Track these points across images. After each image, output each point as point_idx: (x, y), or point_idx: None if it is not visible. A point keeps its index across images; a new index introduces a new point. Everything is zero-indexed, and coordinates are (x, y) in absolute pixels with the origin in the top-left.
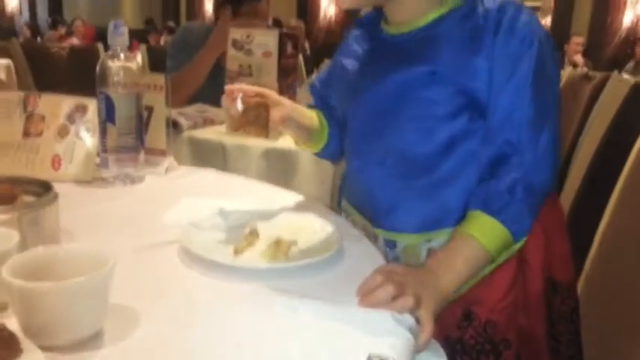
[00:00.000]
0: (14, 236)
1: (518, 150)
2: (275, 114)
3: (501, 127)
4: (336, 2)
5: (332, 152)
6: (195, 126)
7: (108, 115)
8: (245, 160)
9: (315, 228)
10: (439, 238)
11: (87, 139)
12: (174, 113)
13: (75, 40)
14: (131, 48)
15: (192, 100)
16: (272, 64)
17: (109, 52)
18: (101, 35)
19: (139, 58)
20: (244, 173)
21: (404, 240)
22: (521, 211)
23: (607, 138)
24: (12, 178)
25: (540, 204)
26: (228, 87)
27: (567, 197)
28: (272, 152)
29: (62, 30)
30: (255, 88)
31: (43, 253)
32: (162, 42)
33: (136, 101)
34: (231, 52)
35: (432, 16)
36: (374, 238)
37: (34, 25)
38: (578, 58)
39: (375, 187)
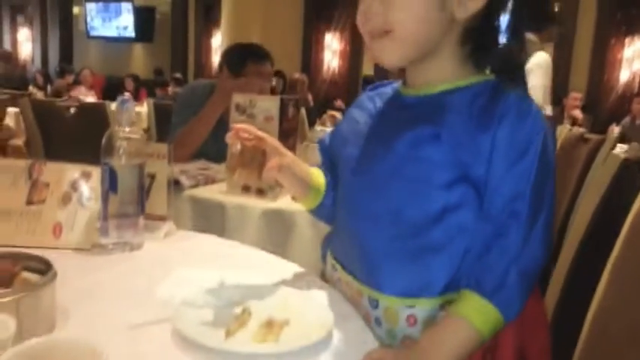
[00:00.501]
0: (10, 325)
1: (515, 235)
2: (273, 161)
3: (500, 211)
4: (372, 59)
5: (327, 213)
6: (196, 185)
7: (111, 185)
8: (244, 220)
9: (307, 307)
10: (421, 305)
11: (89, 206)
12: (176, 171)
13: (83, 89)
14: (139, 98)
15: (195, 155)
16: (274, 127)
17: (115, 126)
18: (111, 84)
19: (145, 108)
20: (243, 232)
21: (386, 301)
22: (514, 294)
23: (597, 215)
24: (12, 253)
25: (533, 285)
26: (235, 125)
27: (559, 274)
28: (270, 213)
29: (70, 78)
30: (259, 133)
31: (38, 347)
32: (169, 92)
33: (138, 172)
34: (234, 115)
35: (450, 85)
36: (358, 294)
37: (45, 73)
38: (577, 114)
39: (364, 244)
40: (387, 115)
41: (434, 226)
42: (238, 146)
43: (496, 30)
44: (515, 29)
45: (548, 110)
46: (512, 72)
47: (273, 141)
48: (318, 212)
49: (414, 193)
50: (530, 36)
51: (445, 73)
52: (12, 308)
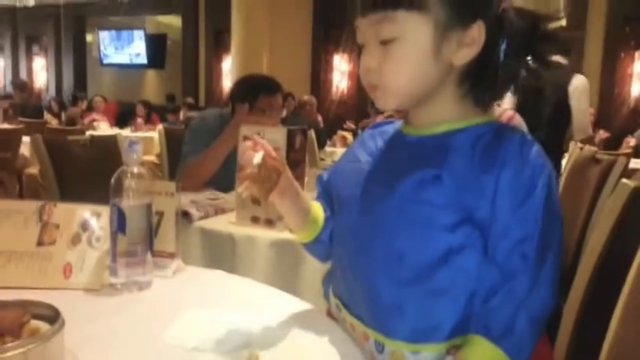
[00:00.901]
0: None
1: (522, 279)
2: (280, 186)
3: (507, 255)
4: (375, 103)
5: (322, 249)
6: (206, 216)
7: (119, 225)
8: (253, 251)
9: (315, 351)
10: (428, 351)
11: (98, 247)
12: (186, 201)
13: (95, 115)
14: (151, 123)
15: (205, 184)
16: (280, 158)
17: (123, 168)
18: (124, 110)
19: (157, 133)
20: (253, 263)
21: (392, 345)
22: (523, 338)
23: (608, 246)
24: (21, 302)
25: (542, 329)
26: (256, 138)
27: (571, 308)
28: (279, 243)
29: (83, 105)
30: (277, 156)
31: None
32: (182, 117)
33: (146, 212)
34: (243, 147)
35: (452, 126)
36: (364, 337)
37: (60, 101)
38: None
39: (369, 286)
40: (388, 154)
41: (438, 269)
42: (256, 159)
43: (493, 69)
44: (510, 68)
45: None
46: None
47: (286, 168)
48: (312, 247)
49: (417, 236)
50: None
51: (446, 114)
52: None
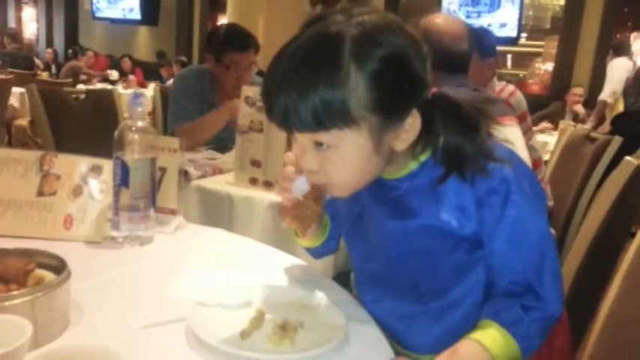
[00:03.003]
0: (27, 329)
1: (526, 289)
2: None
3: (501, 270)
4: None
5: (318, 253)
6: (204, 175)
7: (122, 179)
8: (251, 212)
9: (320, 308)
10: None
11: (100, 200)
12: (184, 160)
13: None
14: (136, 77)
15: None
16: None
17: (128, 121)
18: (112, 65)
19: (151, 92)
20: (250, 224)
21: (419, 358)
22: (533, 329)
23: (607, 223)
24: (26, 250)
25: (551, 327)
26: (295, 165)
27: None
28: (277, 205)
29: (84, 59)
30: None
31: (56, 354)
32: (175, 73)
33: (150, 166)
34: (244, 108)
35: (419, 161)
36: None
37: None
38: (579, 109)
39: (389, 314)
40: (371, 197)
41: (452, 286)
42: (303, 187)
43: (437, 134)
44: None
45: None
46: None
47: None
48: (312, 250)
49: (424, 266)
50: None
51: (406, 166)
52: (27, 309)
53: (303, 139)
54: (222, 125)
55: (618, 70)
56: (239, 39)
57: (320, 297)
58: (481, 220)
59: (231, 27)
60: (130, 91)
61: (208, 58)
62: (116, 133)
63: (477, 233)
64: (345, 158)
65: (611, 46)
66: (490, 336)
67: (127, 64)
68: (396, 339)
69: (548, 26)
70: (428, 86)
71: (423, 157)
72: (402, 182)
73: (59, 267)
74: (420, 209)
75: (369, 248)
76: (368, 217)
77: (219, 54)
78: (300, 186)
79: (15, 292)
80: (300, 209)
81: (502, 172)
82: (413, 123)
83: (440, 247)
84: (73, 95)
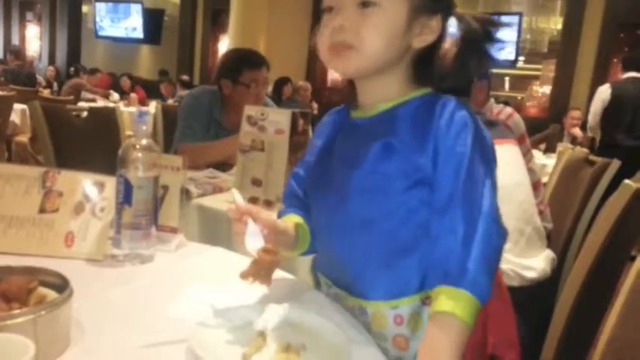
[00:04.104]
0: (30, 348)
1: (460, 221)
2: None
3: (443, 200)
4: (331, 69)
5: (310, 253)
6: (204, 193)
7: (125, 197)
8: None
9: (322, 330)
10: (404, 305)
11: (101, 217)
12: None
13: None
14: (142, 100)
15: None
16: (283, 140)
17: (132, 139)
18: (115, 84)
19: (153, 109)
20: None
21: (371, 307)
22: (477, 273)
23: (606, 246)
24: (29, 268)
25: (496, 261)
26: (239, 206)
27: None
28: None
29: (84, 78)
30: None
31: None
32: (178, 91)
33: (153, 185)
34: (246, 127)
35: (393, 103)
36: (350, 305)
37: (57, 71)
38: (577, 132)
39: (344, 256)
40: (342, 139)
41: (401, 229)
42: (257, 245)
43: (442, 58)
44: (460, 59)
45: None
46: (455, 93)
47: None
48: (304, 254)
49: (376, 202)
50: None
51: (391, 92)
52: (29, 328)
53: None
54: (226, 156)
55: (595, 100)
56: (253, 57)
57: (322, 318)
58: (435, 151)
59: (241, 49)
60: (132, 108)
61: (224, 84)
62: (120, 151)
63: (431, 169)
64: (383, 23)
65: (622, 59)
66: (454, 301)
67: (126, 82)
68: (348, 287)
69: (545, 50)
70: (454, 5)
71: (415, 93)
72: (372, 120)
73: (62, 285)
74: (389, 133)
75: (335, 197)
76: (337, 159)
77: (237, 74)
78: (253, 244)
79: (17, 311)
80: (257, 266)
81: (465, 118)
82: (435, 28)
83: (396, 186)
84: (75, 112)
